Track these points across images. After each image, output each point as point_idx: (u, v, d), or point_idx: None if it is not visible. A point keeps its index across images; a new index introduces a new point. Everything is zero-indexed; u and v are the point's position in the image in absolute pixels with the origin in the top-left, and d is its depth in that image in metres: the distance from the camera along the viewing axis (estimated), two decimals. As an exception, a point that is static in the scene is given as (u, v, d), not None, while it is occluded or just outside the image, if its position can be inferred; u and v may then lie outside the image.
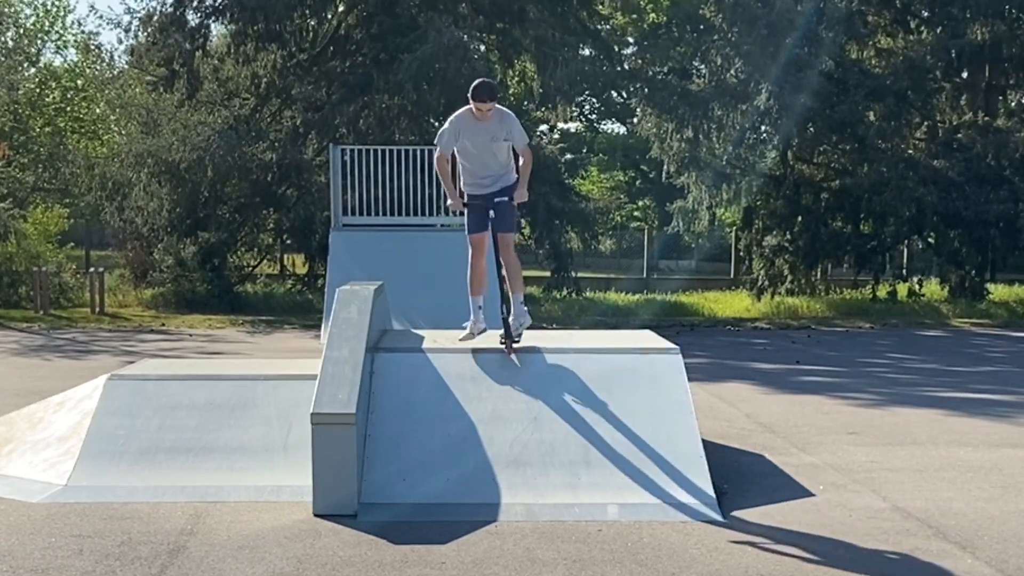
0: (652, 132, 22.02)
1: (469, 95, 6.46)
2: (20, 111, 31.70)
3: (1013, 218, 19.92)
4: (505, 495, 5.64)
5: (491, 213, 6.70)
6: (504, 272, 6.99)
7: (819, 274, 23.03)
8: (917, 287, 21.37)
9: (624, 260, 33.48)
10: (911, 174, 19.93)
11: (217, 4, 19.65)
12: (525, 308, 6.90)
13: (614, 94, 38.47)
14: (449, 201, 6.96)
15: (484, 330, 6.96)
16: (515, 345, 6.67)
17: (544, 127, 37.12)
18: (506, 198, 6.72)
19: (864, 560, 4.80)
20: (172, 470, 6.02)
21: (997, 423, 8.48)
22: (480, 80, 6.62)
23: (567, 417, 6.21)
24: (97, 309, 18.48)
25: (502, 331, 6.73)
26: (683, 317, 19.00)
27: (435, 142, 6.76)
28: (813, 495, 6.02)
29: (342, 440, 5.50)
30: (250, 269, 21.90)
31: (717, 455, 6.57)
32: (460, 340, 6.86)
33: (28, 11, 33.89)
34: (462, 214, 6.97)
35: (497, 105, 6.57)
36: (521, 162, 6.74)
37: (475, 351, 6.67)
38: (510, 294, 6.95)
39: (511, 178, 6.79)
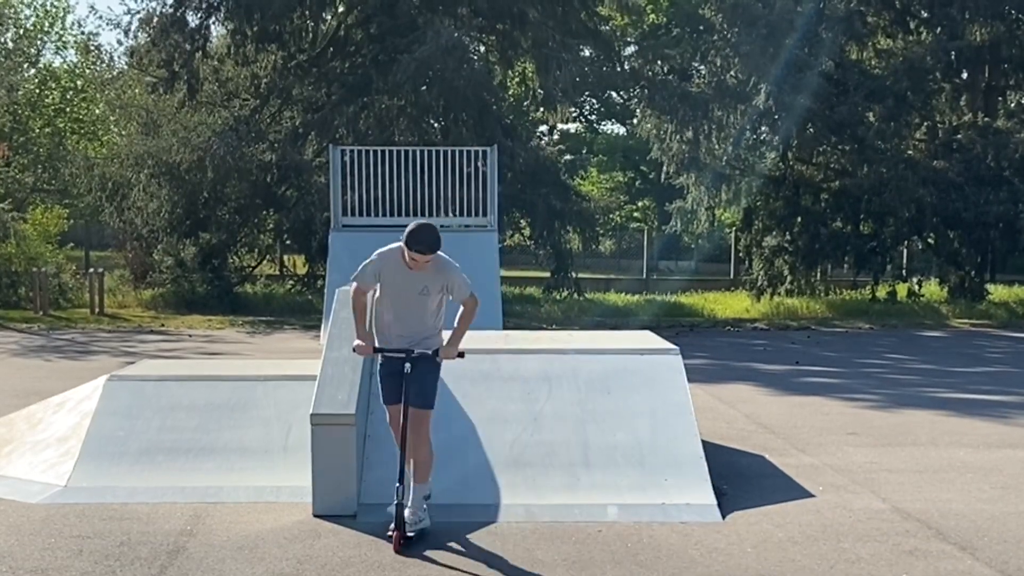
0: (652, 133, 22.02)
1: (403, 240, 5.02)
2: (20, 112, 31.71)
3: (1013, 219, 19.93)
4: (505, 496, 5.64)
5: (406, 367, 5.12)
6: (408, 452, 5.20)
7: (818, 275, 23.02)
8: (916, 288, 21.37)
9: (624, 261, 33.49)
10: (911, 175, 19.93)
11: (214, 2, 19.64)
12: (425, 506, 5.24)
13: (614, 95, 38.54)
14: (356, 342, 5.26)
15: (422, 520, 5.19)
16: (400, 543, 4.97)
17: (544, 128, 37.20)
18: (428, 351, 5.15)
19: (864, 561, 4.80)
20: (172, 471, 6.02)
21: (997, 424, 8.48)
22: (420, 224, 5.05)
23: (567, 418, 6.21)
24: (97, 310, 18.47)
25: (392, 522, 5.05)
26: (683, 318, 18.99)
27: (352, 276, 5.28)
28: (813, 496, 6.01)
29: (342, 441, 5.50)
30: (250, 270, 21.90)
31: (717, 456, 6.57)
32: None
33: (28, 11, 33.92)
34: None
35: (439, 253, 5.10)
36: (460, 312, 5.27)
37: (475, 351, 6.66)
38: (411, 483, 5.24)
39: (435, 343, 5.23)
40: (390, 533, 5.01)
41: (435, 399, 5.25)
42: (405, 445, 5.16)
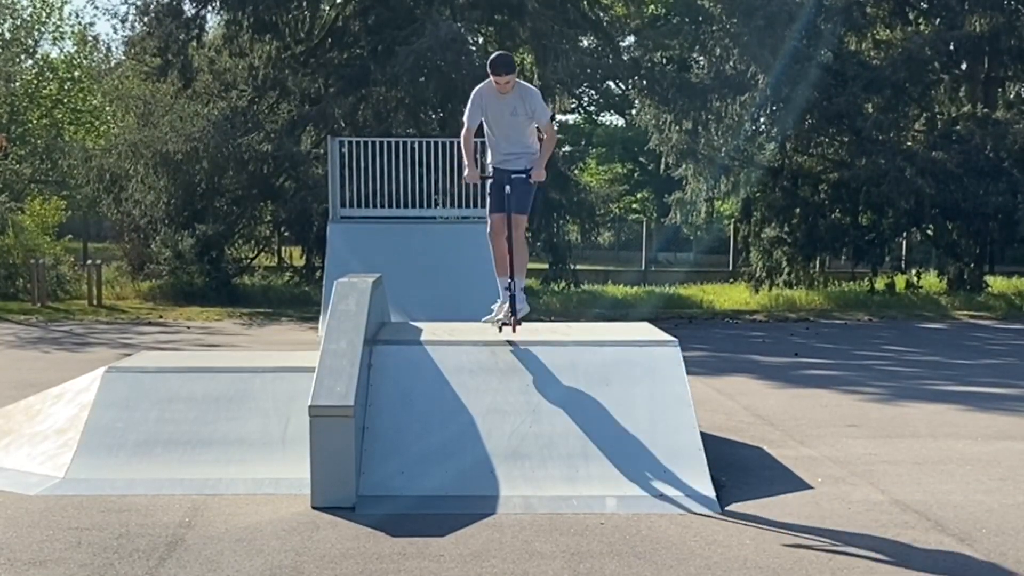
0: (651, 123, 21.98)
1: (488, 69, 6.58)
2: (17, 103, 31.66)
3: (1011, 210, 19.90)
4: (504, 488, 5.63)
5: (507, 188, 6.77)
6: (512, 253, 6.93)
7: (817, 266, 23.02)
8: (915, 279, 21.34)
9: (623, 253, 33.48)
10: (909, 166, 19.90)
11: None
12: (525, 296, 6.96)
13: (613, 85, 38.45)
14: (466, 172, 7.01)
15: (522, 309, 6.96)
16: (516, 326, 6.86)
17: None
18: (523, 175, 6.80)
19: (862, 553, 4.80)
20: (170, 463, 6.01)
21: (996, 416, 8.49)
22: (497, 53, 6.73)
23: (565, 410, 6.20)
24: (94, 301, 18.46)
25: (506, 305, 6.94)
26: (682, 310, 18.99)
27: (465, 118, 6.86)
28: (811, 488, 6.01)
29: (340, 433, 5.49)
30: (248, 261, 21.87)
31: (715, 448, 6.56)
32: (484, 320, 7.14)
33: (25, 1, 33.82)
34: (478, 187, 7.45)
35: (519, 81, 6.72)
36: (544, 139, 6.87)
37: (474, 343, 6.66)
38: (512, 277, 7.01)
39: (534, 160, 6.89)
40: (507, 322, 6.78)
41: (530, 208, 6.94)
42: (510, 249, 6.85)
